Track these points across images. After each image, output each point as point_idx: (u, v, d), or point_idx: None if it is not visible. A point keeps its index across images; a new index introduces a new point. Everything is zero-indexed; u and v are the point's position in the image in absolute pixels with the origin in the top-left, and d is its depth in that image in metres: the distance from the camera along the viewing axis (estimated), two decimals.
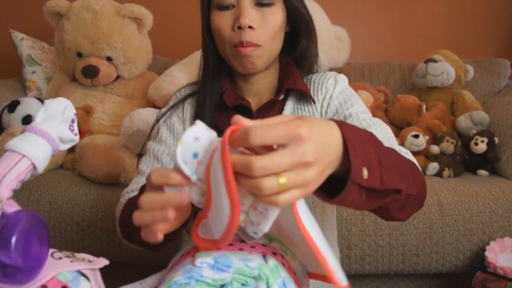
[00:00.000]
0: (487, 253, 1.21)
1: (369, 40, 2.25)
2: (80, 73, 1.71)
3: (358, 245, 1.26)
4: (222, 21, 0.77)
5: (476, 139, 1.55)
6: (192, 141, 0.44)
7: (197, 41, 0.86)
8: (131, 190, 0.83)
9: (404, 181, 0.54)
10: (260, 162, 0.40)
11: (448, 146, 1.54)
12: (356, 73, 2.01)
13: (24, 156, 0.46)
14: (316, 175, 0.42)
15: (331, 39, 1.80)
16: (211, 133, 0.45)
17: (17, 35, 1.87)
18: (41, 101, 1.51)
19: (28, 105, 1.48)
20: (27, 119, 1.45)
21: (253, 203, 0.46)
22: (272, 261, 0.53)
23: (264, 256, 0.54)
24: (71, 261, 0.49)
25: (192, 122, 0.86)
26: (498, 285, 1.15)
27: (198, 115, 0.84)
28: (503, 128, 1.60)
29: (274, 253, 0.56)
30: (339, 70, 1.86)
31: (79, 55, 1.73)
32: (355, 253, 1.26)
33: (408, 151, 0.74)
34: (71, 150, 1.50)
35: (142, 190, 0.65)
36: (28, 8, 2.28)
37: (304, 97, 0.84)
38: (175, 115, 0.88)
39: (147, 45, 1.85)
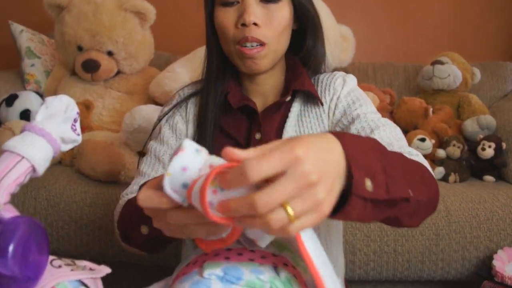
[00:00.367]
0: (494, 262, 1.18)
1: (372, 40, 2.23)
2: (80, 67, 1.68)
3: (362, 250, 1.24)
4: (226, 17, 0.75)
5: (484, 144, 1.52)
6: (180, 172, 0.41)
7: (201, 37, 0.83)
8: (131, 192, 0.80)
9: (412, 188, 0.51)
10: (263, 197, 0.37)
11: (455, 150, 1.51)
12: (360, 73, 1.98)
13: (23, 157, 0.44)
14: (325, 194, 0.39)
15: (336, 38, 1.77)
16: (200, 156, 0.42)
17: (16, 27, 1.84)
18: (40, 95, 1.48)
19: (26, 99, 1.45)
20: (25, 114, 1.42)
21: None
22: (284, 274, 0.51)
23: (275, 268, 0.52)
24: (72, 270, 0.47)
25: (195, 122, 0.84)
26: None
27: (201, 115, 0.82)
28: (510, 133, 1.58)
29: (285, 264, 0.54)
30: (343, 70, 1.83)
31: (80, 48, 1.70)
32: (360, 259, 1.24)
33: (418, 153, 0.71)
34: None
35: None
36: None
37: (312, 98, 0.81)
38: (178, 114, 0.86)
39: (149, 40, 1.82)
